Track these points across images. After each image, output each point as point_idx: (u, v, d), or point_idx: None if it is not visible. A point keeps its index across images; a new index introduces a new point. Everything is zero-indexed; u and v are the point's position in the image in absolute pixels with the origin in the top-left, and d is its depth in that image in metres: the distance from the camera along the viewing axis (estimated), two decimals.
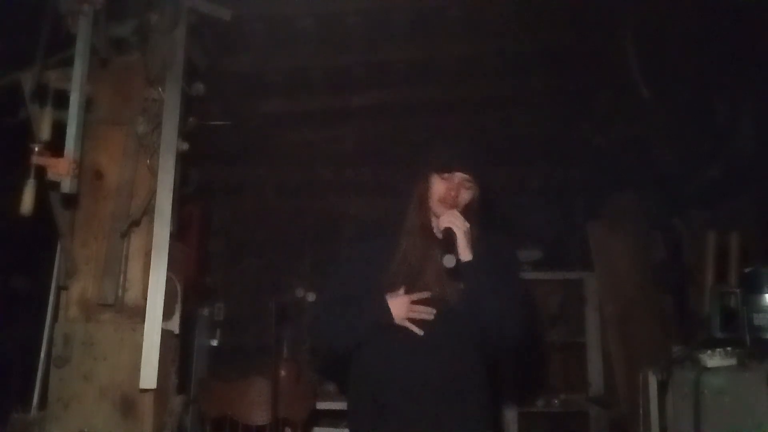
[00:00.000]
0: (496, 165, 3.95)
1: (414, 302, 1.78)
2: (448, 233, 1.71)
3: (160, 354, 1.83)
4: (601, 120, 3.58)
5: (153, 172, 1.95)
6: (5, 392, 2.96)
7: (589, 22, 2.85)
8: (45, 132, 1.77)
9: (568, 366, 4.16)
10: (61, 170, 1.73)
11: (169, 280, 1.90)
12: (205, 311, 4.25)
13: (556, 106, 3.54)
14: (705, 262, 2.75)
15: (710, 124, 2.95)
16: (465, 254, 1.70)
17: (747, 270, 2.29)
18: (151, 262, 1.88)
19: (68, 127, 1.76)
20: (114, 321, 1.94)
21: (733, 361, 2.07)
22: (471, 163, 1.80)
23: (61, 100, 1.81)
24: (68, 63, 1.83)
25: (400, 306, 1.78)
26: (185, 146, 2.00)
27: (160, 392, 1.88)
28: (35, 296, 2.23)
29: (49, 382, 1.90)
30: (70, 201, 1.91)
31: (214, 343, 4.35)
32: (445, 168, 1.80)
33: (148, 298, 1.86)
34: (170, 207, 1.91)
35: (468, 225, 1.72)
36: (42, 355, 1.96)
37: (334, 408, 3.54)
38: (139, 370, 1.81)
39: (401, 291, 1.80)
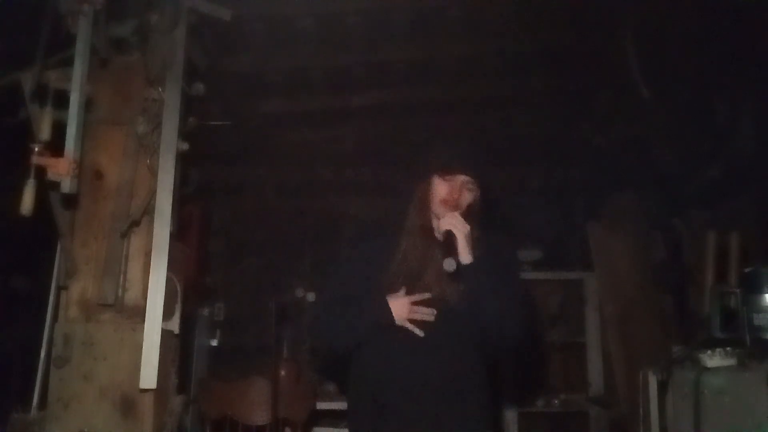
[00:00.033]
0: (496, 165, 3.95)
1: (414, 303, 1.78)
2: (449, 236, 1.71)
3: (160, 354, 1.83)
4: (601, 120, 3.58)
5: (153, 172, 1.95)
6: (5, 392, 2.95)
7: (589, 22, 2.85)
8: (45, 132, 1.77)
9: (568, 366, 4.16)
10: (61, 170, 1.73)
11: (169, 280, 1.90)
12: (205, 311, 4.25)
13: (556, 106, 3.54)
14: (705, 262, 2.75)
15: (710, 124, 2.95)
16: (465, 257, 1.70)
17: (747, 270, 2.29)
18: (151, 262, 1.88)
19: (68, 127, 1.76)
20: (114, 321, 1.94)
21: (733, 361, 2.07)
22: (473, 165, 1.80)
23: (61, 100, 1.81)
24: (68, 63, 1.83)
25: (400, 307, 1.78)
26: (185, 146, 2.00)
27: (160, 392, 1.88)
28: (35, 296, 2.23)
29: (49, 382, 1.90)
30: (70, 201, 1.91)
31: (214, 343, 4.36)
32: (447, 170, 1.80)
33: (148, 298, 1.86)
34: (170, 207, 1.91)
35: (468, 227, 1.72)
36: (42, 355, 1.96)
37: (334, 408, 3.54)
38: (139, 370, 1.81)
39: (402, 292, 1.80)
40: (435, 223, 1.83)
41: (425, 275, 1.80)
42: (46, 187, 1.78)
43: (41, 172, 1.73)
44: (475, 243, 1.73)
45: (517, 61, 3.12)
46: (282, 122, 3.72)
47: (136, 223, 1.97)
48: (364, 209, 4.47)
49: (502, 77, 3.32)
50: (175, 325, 2.03)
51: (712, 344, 2.17)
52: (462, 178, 1.79)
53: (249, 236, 4.63)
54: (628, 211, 3.81)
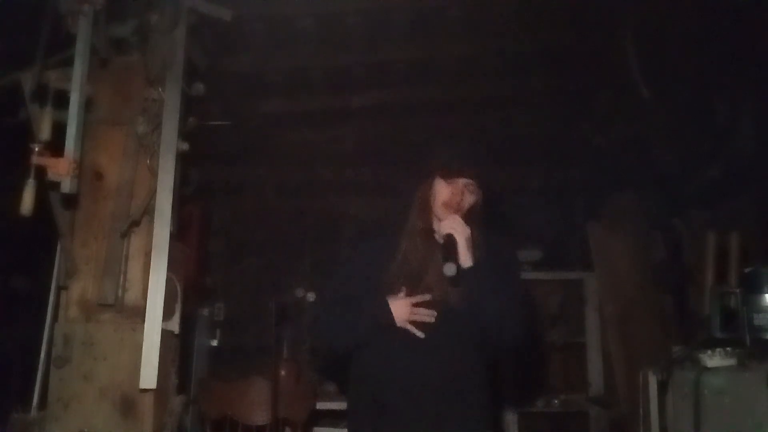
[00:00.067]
0: (496, 165, 3.94)
1: (415, 305, 1.79)
2: (450, 239, 1.71)
3: (160, 354, 1.83)
4: (601, 120, 3.58)
5: (153, 172, 1.95)
6: (5, 392, 2.95)
7: (589, 22, 2.85)
8: (45, 132, 1.77)
9: (568, 366, 4.15)
10: (61, 170, 1.73)
11: (169, 280, 1.90)
12: (205, 311, 4.25)
13: (556, 106, 3.54)
14: (705, 262, 2.75)
15: (710, 124, 2.95)
16: (466, 261, 1.71)
17: (747, 270, 2.29)
18: (151, 262, 1.88)
19: (68, 127, 1.77)
20: (114, 321, 1.94)
21: (733, 361, 2.06)
22: (475, 168, 1.80)
23: (61, 100, 1.81)
24: (68, 63, 1.83)
25: (401, 308, 1.78)
26: (185, 146, 2.00)
27: (160, 392, 1.88)
28: (35, 296, 2.23)
29: (49, 382, 1.90)
30: (70, 201, 1.92)
31: (214, 343, 4.36)
32: (449, 172, 1.80)
33: (148, 298, 1.86)
34: (170, 207, 1.91)
35: (469, 231, 1.72)
36: (42, 355, 1.96)
37: (334, 408, 3.54)
38: (139, 370, 1.81)
39: (402, 293, 1.80)
40: (436, 224, 1.83)
41: (426, 277, 1.80)
42: (46, 187, 1.78)
43: (41, 172, 1.73)
44: (475, 245, 1.73)
45: (517, 61, 3.12)
46: (282, 122, 3.72)
47: (136, 223, 1.97)
48: (364, 209, 4.47)
49: (502, 77, 3.32)
50: (175, 325, 2.03)
51: (712, 344, 2.17)
52: (464, 180, 1.79)
53: (249, 236, 4.63)
54: (628, 211, 3.81)
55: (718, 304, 2.31)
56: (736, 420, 1.96)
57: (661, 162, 3.40)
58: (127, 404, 1.87)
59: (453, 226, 1.72)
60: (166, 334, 1.92)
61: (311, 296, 4.06)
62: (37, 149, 1.73)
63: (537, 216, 4.02)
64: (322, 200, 4.61)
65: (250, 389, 2.98)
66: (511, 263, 1.93)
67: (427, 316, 1.78)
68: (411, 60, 3.11)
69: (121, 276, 1.95)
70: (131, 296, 1.96)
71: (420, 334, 1.77)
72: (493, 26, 2.88)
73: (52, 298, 1.99)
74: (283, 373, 3.19)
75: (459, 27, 2.86)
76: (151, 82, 2.01)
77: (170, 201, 1.91)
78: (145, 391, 1.84)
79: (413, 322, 1.78)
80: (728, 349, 2.09)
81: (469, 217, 1.77)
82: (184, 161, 2.06)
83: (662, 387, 2.36)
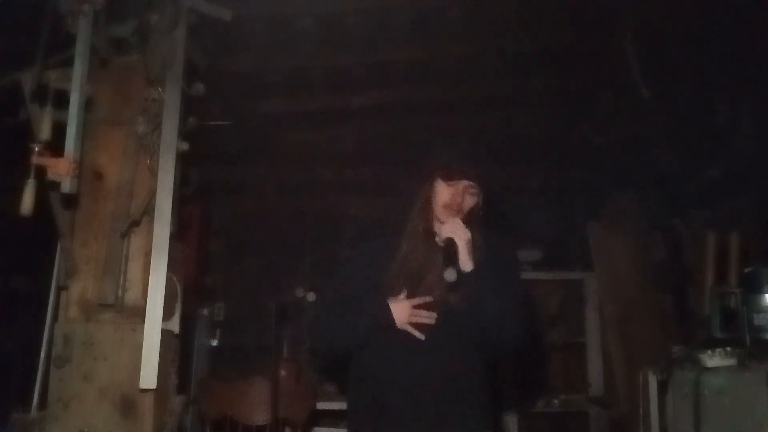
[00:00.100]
0: (496, 165, 3.94)
1: (416, 307, 1.78)
2: (450, 244, 1.71)
3: (160, 354, 1.83)
4: (601, 120, 3.58)
5: (153, 172, 1.95)
6: (5, 392, 2.95)
7: (589, 22, 2.85)
8: (45, 132, 1.77)
9: (568, 366, 4.15)
10: (61, 170, 1.73)
11: (169, 280, 1.90)
12: (205, 311, 4.25)
13: (556, 106, 3.54)
14: (705, 262, 2.75)
15: (710, 124, 2.95)
16: (466, 265, 1.71)
17: (747, 270, 2.29)
18: (151, 262, 1.88)
19: (68, 127, 1.77)
20: (114, 321, 1.94)
21: (733, 361, 2.06)
22: (476, 169, 1.80)
23: (61, 100, 1.81)
24: (68, 63, 1.83)
25: (401, 310, 1.78)
26: (185, 146, 2.01)
27: (160, 392, 1.88)
28: (35, 296, 2.23)
29: (49, 382, 1.90)
30: (70, 201, 1.92)
31: (214, 343, 4.35)
32: (450, 174, 1.79)
33: (148, 298, 1.86)
34: (170, 207, 1.91)
35: (469, 234, 1.72)
36: (42, 355, 1.96)
37: (334, 408, 3.54)
38: (139, 370, 1.81)
39: (403, 295, 1.80)
40: (437, 226, 1.83)
41: (426, 278, 1.80)
42: (46, 187, 1.78)
43: (41, 172, 1.73)
44: (475, 246, 1.73)
45: (517, 61, 3.12)
46: (282, 122, 3.72)
47: (136, 223, 1.97)
48: (364, 209, 4.47)
49: (502, 77, 3.31)
50: (175, 325, 2.03)
51: (712, 344, 2.17)
52: (464, 182, 1.79)
53: (249, 236, 4.62)
54: (628, 211, 3.81)
55: (718, 304, 2.31)
56: (736, 420, 1.96)
57: (661, 162, 3.40)
58: (127, 404, 1.87)
59: (454, 230, 1.72)
60: (166, 334, 1.92)
61: (311, 296, 4.06)
62: (37, 149, 1.73)
63: (537, 216, 4.02)
64: (322, 200, 4.61)
65: (250, 389, 2.98)
66: (511, 263, 1.93)
67: (428, 318, 1.78)
68: (411, 60, 3.11)
69: (121, 276, 1.95)
70: (131, 296, 1.96)
71: (420, 335, 1.77)
72: (493, 26, 2.88)
73: (52, 298, 1.99)
74: (283, 373, 3.19)
75: (459, 27, 2.86)
76: (151, 82, 2.01)
77: (170, 201, 1.91)
78: (145, 391, 1.84)
79: (414, 324, 1.78)
80: (728, 349, 2.09)
81: (469, 218, 1.77)
82: (184, 161, 2.06)
83: (662, 387, 2.36)
